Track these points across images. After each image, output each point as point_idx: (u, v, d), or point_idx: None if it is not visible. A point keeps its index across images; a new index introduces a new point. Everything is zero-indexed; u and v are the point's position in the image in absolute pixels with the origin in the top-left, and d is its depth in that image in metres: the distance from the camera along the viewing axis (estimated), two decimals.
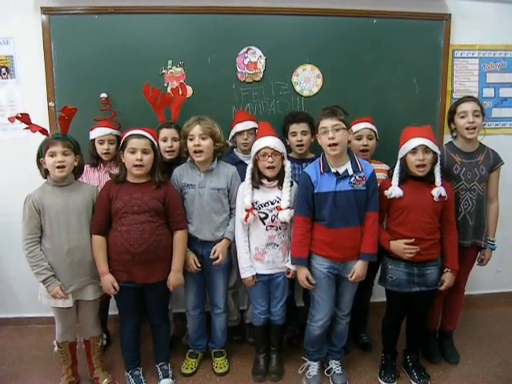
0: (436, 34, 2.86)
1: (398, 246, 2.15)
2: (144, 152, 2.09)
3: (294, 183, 2.25)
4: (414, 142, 2.08)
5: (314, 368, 2.34)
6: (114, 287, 2.11)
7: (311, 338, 2.31)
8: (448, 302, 2.53)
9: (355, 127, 2.44)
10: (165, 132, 2.43)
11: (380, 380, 2.34)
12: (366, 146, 2.44)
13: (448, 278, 2.21)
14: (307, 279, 2.16)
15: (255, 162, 2.21)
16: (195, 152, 2.21)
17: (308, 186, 2.11)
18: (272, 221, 2.21)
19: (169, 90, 2.69)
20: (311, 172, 2.13)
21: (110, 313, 2.65)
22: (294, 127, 2.49)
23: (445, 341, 2.57)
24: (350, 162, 2.11)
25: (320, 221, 2.14)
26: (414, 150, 2.08)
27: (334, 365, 2.35)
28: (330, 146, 2.04)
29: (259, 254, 2.25)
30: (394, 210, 2.18)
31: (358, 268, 2.15)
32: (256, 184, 2.21)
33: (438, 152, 2.11)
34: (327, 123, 2.04)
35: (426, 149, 2.07)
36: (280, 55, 2.75)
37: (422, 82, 2.87)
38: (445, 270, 2.20)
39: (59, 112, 2.16)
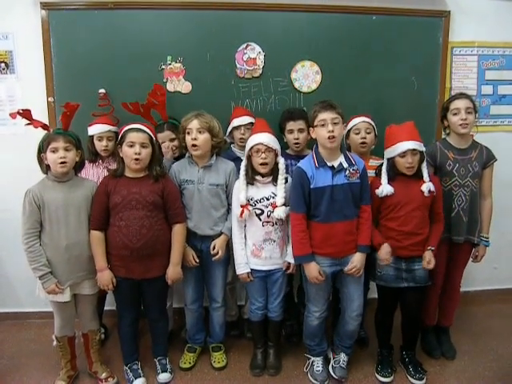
0: (435, 31, 2.86)
1: (384, 252, 2.18)
2: (142, 146, 2.09)
3: (289, 179, 2.25)
4: (402, 146, 2.10)
5: (318, 363, 2.35)
6: (112, 283, 2.13)
7: (310, 329, 2.32)
8: (444, 299, 2.55)
9: (353, 121, 2.44)
10: (160, 137, 2.39)
11: (377, 375, 2.35)
12: (364, 139, 2.42)
13: (428, 254, 2.18)
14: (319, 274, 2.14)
15: (249, 158, 2.22)
16: (192, 146, 2.22)
17: (304, 181, 2.11)
18: (268, 217, 2.22)
19: (168, 85, 2.70)
20: (306, 167, 2.12)
21: (106, 307, 2.66)
22: (290, 125, 2.48)
23: (441, 336, 2.59)
24: (342, 156, 2.13)
25: (315, 217, 2.14)
26: (403, 154, 2.10)
27: (343, 357, 2.34)
28: (329, 138, 2.04)
29: (256, 249, 2.26)
30: (385, 207, 2.20)
31: (356, 260, 2.16)
32: (250, 180, 2.21)
33: (423, 149, 2.13)
34: (326, 116, 2.04)
35: (414, 151, 2.09)
36: (279, 51, 2.75)
37: (420, 79, 2.88)
38: (428, 248, 2.19)
39: (62, 108, 2.16)
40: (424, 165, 2.14)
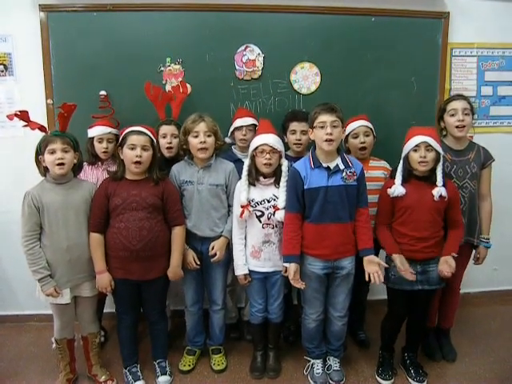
0: (434, 32, 2.86)
1: (400, 264, 2.12)
2: (143, 149, 2.09)
3: None
4: (416, 140, 2.09)
5: (318, 366, 2.34)
6: (111, 285, 2.13)
7: (308, 332, 2.32)
8: (444, 301, 2.54)
9: (351, 126, 2.44)
10: (165, 129, 2.45)
11: (377, 377, 2.34)
12: (364, 143, 2.43)
13: (450, 260, 2.12)
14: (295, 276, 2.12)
15: (252, 159, 2.21)
16: (200, 149, 2.21)
17: (298, 181, 2.11)
18: (268, 219, 2.21)
19: (167, 87, 2.70)
20: (300, 167, 2.13)
21: (105, 310, 2.65)
22: (294, 125, 2.48)
23: (442, 339, 2.58)
24: (339, 158, 2.12)
25: (307, 217, 2.14)
26: (416, 148, 2.09)
27: (333, 361, 2.36)
28: (326, 141, 2.04)
29: (256, 251, 2.26)
30: (397, 210, 2.18)
31: (372, 264, 2.11)
32: (252, 181, 2.21)
33: (441, 151, 2.10)
34: (326, 118, 2.04)
35: (428, 147, 2.07)
36: (278, 53, 2.75)
37: (420, 80, 2.88)
38: (451, 254, 2.13)
39: (58, 108, 2.16)
40: (439, 168, 2.10)
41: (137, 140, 2.09)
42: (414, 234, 2.13)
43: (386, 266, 2.15)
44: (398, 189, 2.12)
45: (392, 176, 2.23)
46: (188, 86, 2.71)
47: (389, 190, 2.15)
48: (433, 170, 2.12)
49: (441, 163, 2.11)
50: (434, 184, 2.11)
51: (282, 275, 2.27)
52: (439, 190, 2.09)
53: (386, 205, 2.20)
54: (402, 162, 2.17)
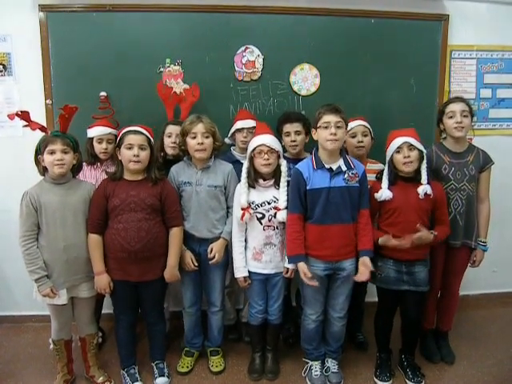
0: (434, 35, 2.87)
1: (386, 242, 2.14)
2: (141, 148, 2.09)
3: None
4: (398, 141, 2.12)
5: (316, 368, 2.34)
6: (109, 286, 2.12)
7: (307, 333, 2.32)
8: (442, 304, 2.54)
9: (349, 125, 2.43)
10: (171, 128, 2.45)
11: (375, 379, 2.34)
12: (361, 142, 2.44)
13: (425, 234, 2.11)
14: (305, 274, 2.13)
15: (251, 160, 2.21)
16: (197, 150, 2.21)
17: (300, 182, 2.11)
18: (269, 221, 2.21)
19: None
20: (303, 168, 2.13)
21: (103, 311, 2.64)
22: (287, 127, 2.48)
23: (440, 341, 2.57)
24: (341, 159, 2.13)
25: (310, 218, 2.14)
26: (398, 149, 2.12)
27: (331, 363, 2.35)
28: (329, 141, 2.04)
29: (257, 253, 2.25)
30: (385, 212, 2.20)
31: (363, 267, 2.13)
32: (252, 183, 2.21)
33: (423, 150, 2.14)
34: (331, 118, 2.04)
35: (410, 146, 2.11)
36: (278, 54, 2.76)
37: (419, 82, 2.88)
38: (431, 231, 2.12)
39: (60, 110, 2.16)
40: (424, 166, 2.13)
41: (134, 139, 2.09)
42: (402, 235, 2.13)
43: (373, 269, 2.15)
44: (384, 193, 2.14)
45: (378, 178, 2.25)
46: (187, 86, 2.70)
47: (376, 194, 2.16)
48: (418, 170, 2.14)
49: (424, 161, 2.14)
50: (419, 184, 2.13)
51: (283, 277, 2.27)
52: (424, 188, 2.11)
53: (372, 205, 2.20)
54: (387, 165, 2.20)
